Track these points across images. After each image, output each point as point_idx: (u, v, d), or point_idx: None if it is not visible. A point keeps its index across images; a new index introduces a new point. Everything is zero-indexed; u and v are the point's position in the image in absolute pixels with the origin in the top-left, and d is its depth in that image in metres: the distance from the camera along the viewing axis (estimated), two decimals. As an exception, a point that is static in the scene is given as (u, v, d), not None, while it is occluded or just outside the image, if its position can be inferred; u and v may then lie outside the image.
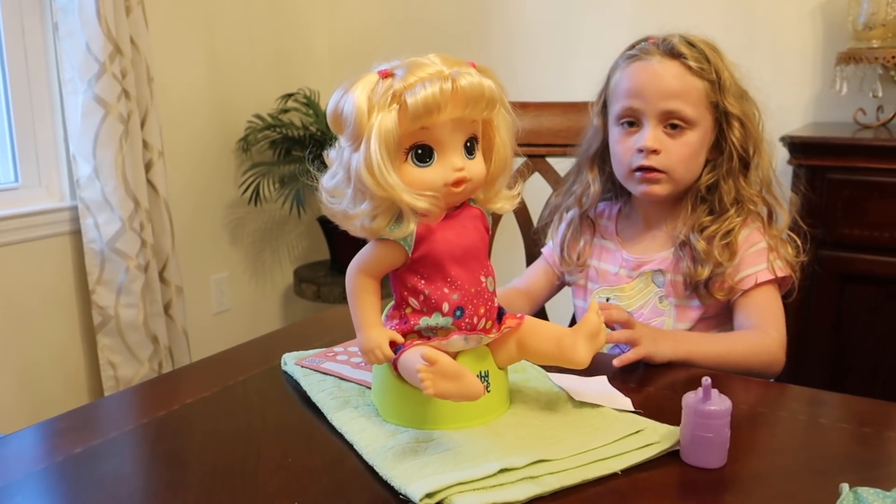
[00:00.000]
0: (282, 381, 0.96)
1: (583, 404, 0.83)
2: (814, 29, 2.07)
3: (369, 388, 0.87)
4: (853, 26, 1.88)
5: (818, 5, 2.06)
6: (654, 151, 1.08)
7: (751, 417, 0.83)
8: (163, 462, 0.78)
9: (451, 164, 0.74)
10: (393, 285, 0.80)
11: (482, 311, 0.78)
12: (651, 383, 0.93)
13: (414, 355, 0.72)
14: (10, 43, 2.01)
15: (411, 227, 0.74)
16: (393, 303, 0.81)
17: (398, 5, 2.73)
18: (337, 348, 1.02)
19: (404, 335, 0.77)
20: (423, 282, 0.76)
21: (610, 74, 1.16)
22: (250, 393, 0.93)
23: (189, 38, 2.43)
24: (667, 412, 0.79)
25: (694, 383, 0.75)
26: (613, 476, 0.70)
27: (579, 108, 1.26)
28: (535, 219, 1.42)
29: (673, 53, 1.08)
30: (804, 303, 1.67)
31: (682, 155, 1.08)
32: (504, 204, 0.82)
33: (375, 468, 0.71)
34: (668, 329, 1.12)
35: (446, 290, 0.76)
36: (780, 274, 1.08)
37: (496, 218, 1.43)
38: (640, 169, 1.09)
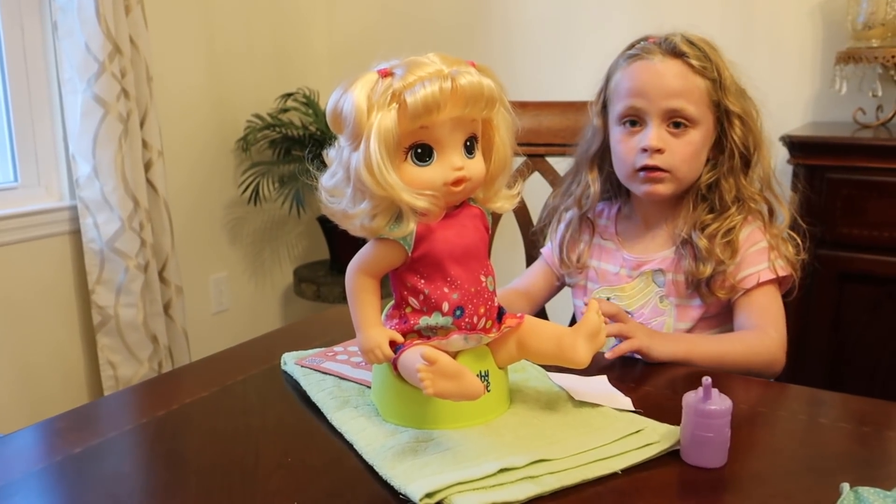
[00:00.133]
0: (281, 380, 0.95)
1: (583, 404, 0.83)
2: (813, 28, 2.07)
3: (369, 388, 0.87)
4: (852, 26, 1.88)
5: (817, 5, 2.06)
6: (658, 151, 1.08)
7: (751, 417, 0.83)
8: (162, 462, 0.78)
9: (451, 164, 0.74)
10: (393, 285, 0.80)
11: (482, 310, 0.78)
12: (651, 383, 0.93)
13: (414, 355, 0.72)
14: (9, 42, 2.01)
15: (411, 227, 0.74)
16: (393, 302, 0.80)
17: (397, 4, 2.73)
18: (337, 348, 1.01)
19: (404, 335, 0.77)
20: (422, 281, 0.76)
21: (609, 74, 1.16)
22: (250, 393, 0.93)
23: (188, 37, 2.43)
24: (667, 412, 0.79)
25: (694, 383, 0.75)
26: (613, 476, 0.70)
27: (579, 107, 1.26)
28: (534, 218, 1.42)
29: (675, 52, 1.08)
30: (803, 302, 1.67)
31: (686, 154, 1.08)
32: (504, 203, 0.82)
33: (375, 468, 0.71)
34: (668, 329, 1.12)
35: (446, 290, 0.76)
36: (782, 273, 1.08)
37: (496, 217, 1.42)
38: (644, 168, 1.09)
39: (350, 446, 0.77)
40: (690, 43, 1.09)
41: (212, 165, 2.54)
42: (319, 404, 0.86)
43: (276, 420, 0.85)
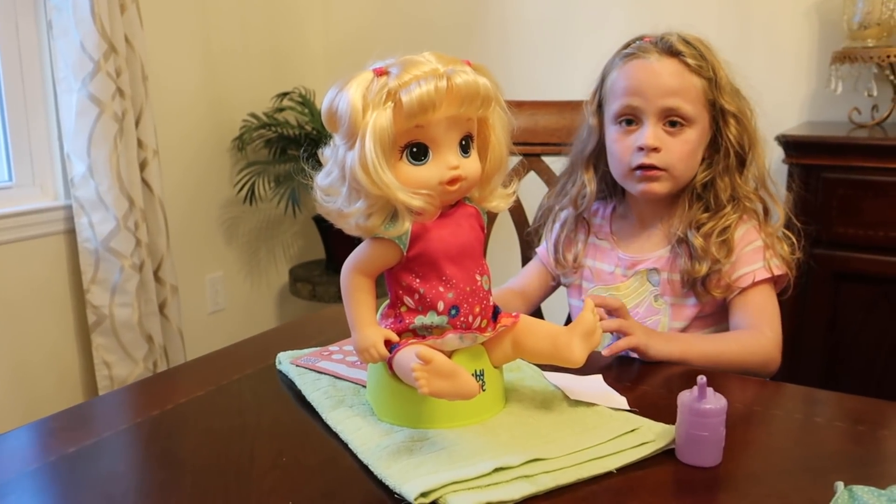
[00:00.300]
0: (276, 380, 0.95)
1: (578, 403, 0.83)
2: (809, 28, 2.08)
3: (364, 387, 0.87)
4: (848, 25, 1.88)
5: (813, 4, 2.06)
6: (655, 149, 1.08)
7: (746, 416, 0.84)
8: (157, 461, 0.78)
9: (446, 163, 0.74)
10: (388, 284, 0.80)
11: (477, 309, 0.78)
12: (646, 382, 0.93)
13: (409, 354, 0.71)
14: (4, 41, 2.00)
15: (406, 226, 0.74)
16: (388, 301, 0.80)
17: (394, 4, 2.73)
18: (332, 347, 1.01)
19: (399, 334, 0.77)
20: (418, 280, 0.76)
21: (605, 74, 1.16)
22: (245, 392, 0.92)
23: (184, 36, 2.43)
24: (662, 411, 0.79)
25: (689, 382, 0.75)
26: (608, 475, 0.70)
27: (575, 106, 1.26)
28: (530, 218, 1.42)
29: (671, 51, 1.08)
30: (799, 301, 1.67)
31: (682, 152, 1.09)
32: (499, 202, 0.82)
33: (370, 467, 0.71)
34: (662, 328, 1.12)
35: (441, 289, 0.76)
36: (777, 272, 1.09)
37: (491, 216, 1.42)
38: (641, 167, 1.09)
39: (345, 446, 0.76)
40: (686, 42, 1.09)
41: (207, 165, 2.54)
42: (315, 404, 0.85)
43: (271, 419, 0.85)
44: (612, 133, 1.13)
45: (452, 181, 0.74)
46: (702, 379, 0.71)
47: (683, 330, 1.12)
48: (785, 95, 2.10)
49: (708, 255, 1.07)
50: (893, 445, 0.78)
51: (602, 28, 2.32)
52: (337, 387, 0.88)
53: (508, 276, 1.31)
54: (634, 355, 0.99)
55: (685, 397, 0.73)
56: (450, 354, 0.77)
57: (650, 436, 0.75)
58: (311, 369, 0.94)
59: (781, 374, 1.06)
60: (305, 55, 2.85)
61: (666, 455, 0.74)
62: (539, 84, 2.41)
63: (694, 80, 1.08)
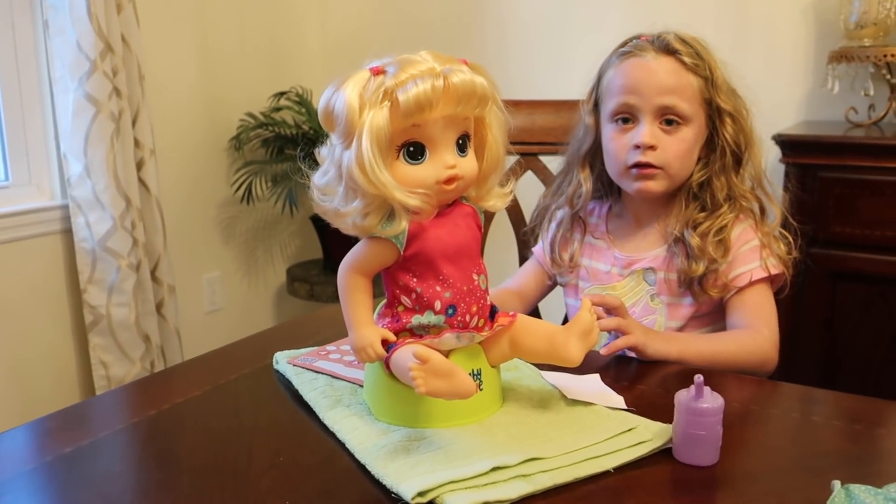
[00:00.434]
0: (274, 379, 0.95)
1: (575, 402, 0.83)
2: (806, 27, 2.08)
3: (361, 387, 0.87)
4: (845, 25, 1.88)
5: (810, 4, 2.06)
6: (651, 147, 1.08)
7: (743, 415, 0.84)
8: (154, 461, 0.78)
9: (443, 162, 0.74)
10: (385, 283, 0.80)
11: (474, 309, 0.78)
12: (643, 381, 0.93)
13: (406, 353, 0.71)
14: (0, 41, 2.00)
15: (403, 225, 0.74)
16: (385, 301, 0.80)
17: (391, 3, 2.72)
18: (329, 346, 1.01)
19: (396, 333, 0.77)
20: (415, 280, 0.76)
21: (601, 72, 1.16)
22: (242, 392, 0.92)
23: (181, 36, 2.42)
24: (659, 410, 0.79)
25: (686, 381, 0.75)
26: (606, 474, 0.70)
27: (572, 106, 1.26)
28: (527, 217, 1.42)
29: (667, 50, 1.09)
30: (796, 301, 1.68)
31: (679, 151, 1.09)
32: (496, 202, 0.82)
33: (367, 467, 0.71)
34: (659, 327, 1.12)
35: (438, 289, 0.76)
36: (774, 271, 1.09)
37: (488, 216, 1.43)
38: (637, 165, 1.09)
39: (342, 445, 0.76)
40: (683, 41, 1.09)
41: (204, 164, 2.54)
42: (312, 403, 0.85)
43: (268, 419, 0.85)
44: (609, 131, 1.13)
45: (449, 180, 0.74)
46: (699, 378, 0.71)
47: (680, 329, 1.12)
48: (782, 95, 2.11)
49: (705, 254, 1.07)
50: (890, 444, 0.78)
51: (599, 28, 2.32)
52: (334, 386, 0.88)
53: (506, 276, 1.31)
54: (632, 354, 1.00)
55: (682, 396, 0.73)
56: (447, 354, 0.77)
57: (647, 435, 0.75)
58: (308, 369, 0.94)
59: (778, 373, 1.06)
60: (302, 55, 2.85)
61: (663, 454, 0.74)
62: (536, 83, 2.41)
63: (690, 78, 1.08)
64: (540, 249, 1.27)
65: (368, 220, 0.74)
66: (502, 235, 1.58)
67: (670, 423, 0.74)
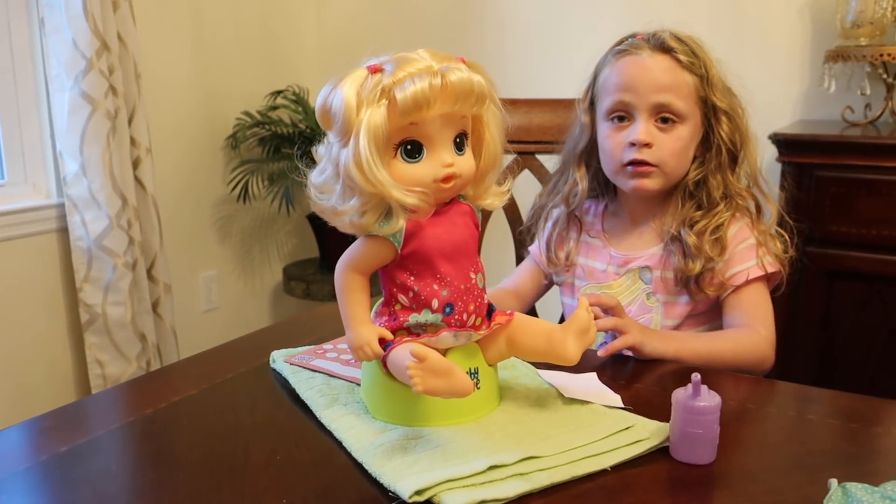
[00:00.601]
0: (270, 378, 0.95)
1: (572, 401, 0.83)
2: (802, 27, 2.08)
3: (359, 385, 0.87)
4: (841, 24, 1.89)
5: (806, 3, 2.06)
6: (647, 145, 1.08)
7: (740, 413, 0.84)
8: (150, 460, 0.77)
9: (441, 160, 0.74)
10: (382, 282, 0.79)
11: (472, 307, 0.78)
12: (641, 379, 0.93)
13: (403, 352, 0.71)
14: (-5, 39, 1.99)
15: (400, 224, 0.74)
16: (382, 300, 0.80)
17: (388, 1, 2.72)
18: (326, 345, 1.01)
19: (393, 332, 0.77)
20: (412, 278, 0.76)
21: (597, 71, 1.16)
22: (239, 390, 0.92)
23: (177, 34, 2.42)
24: (656, 408, 0.79)
25: (684, 380, 0.75)
26: (603, 472, 0.70)
27: (569, 104, 1.26)
28: (524, 216, 1.42)
29: (663, 48, 1.09)
30: (792, 299, 1.68)
31: (674, 149, 1.09)
32: (494, 200, 0.82)
33: (364, 465, 0.71)
34: (655, 326, 1.12)
35: (436, 287, 0.76)
36: (770, 269, 1.09)
37: (486, 214, 1.43)
38: (632, 163, 1.09)
39: (339, 444, 0.76)
40: (678, 39, 1.10)
41: (200, 163, 2.53)
42: (308, 402, 0.85)
43: (265, 418, 0.85)
44: (604, 130, 1.13)
45: (447, 179, 0.74)
46: (696, 376, 0.71)
47: (676, 328, 1.12)
48: (778, 94, 2.11)
49: (702, 252, 1.07)
50: (886, 442, 0.78)
51: (597, 26, 2.32)
52: (331, 385, 0.88)
53: (503, 275, 1.31)
54: (629, 353, 1.00)
55: (679, 395, 0.73)
56: (444, 352, 0.77)
57: (644, 433, 0.75)
58: (305, 367, 0.94)
59: (775, 371, 1.06)
60: (299, 53, 2.85)
61: (660, 453, 0.74)
62: (534, 82, 2.41)
63: (686, 76, 1.08)
64: (536, 249, 1.27)
65: (366, 218, 0.73)
66: (499, 234, 1.58)
67: (667, 421, 0.74)
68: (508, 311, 0.81)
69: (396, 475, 0.67)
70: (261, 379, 0.95)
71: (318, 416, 0.82)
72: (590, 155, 1.19)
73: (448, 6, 2.61)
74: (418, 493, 0.65)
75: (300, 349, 1.00)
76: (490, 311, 0.81)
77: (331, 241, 2.59)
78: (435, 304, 0.76)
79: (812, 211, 1.69)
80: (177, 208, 2.44)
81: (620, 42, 1.14)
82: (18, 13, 2.03)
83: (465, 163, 0.76)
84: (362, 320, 0.76)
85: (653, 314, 1.13)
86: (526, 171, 1.47)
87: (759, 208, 1.14)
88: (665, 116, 1.08)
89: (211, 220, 2.60)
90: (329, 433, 0.79)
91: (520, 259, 1.40)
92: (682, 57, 1.08)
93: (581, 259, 1.21)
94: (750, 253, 1.09)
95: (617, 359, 0.99)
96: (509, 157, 1.47)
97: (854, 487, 0.61)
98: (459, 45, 2.57)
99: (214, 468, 0.73)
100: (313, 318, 1.22)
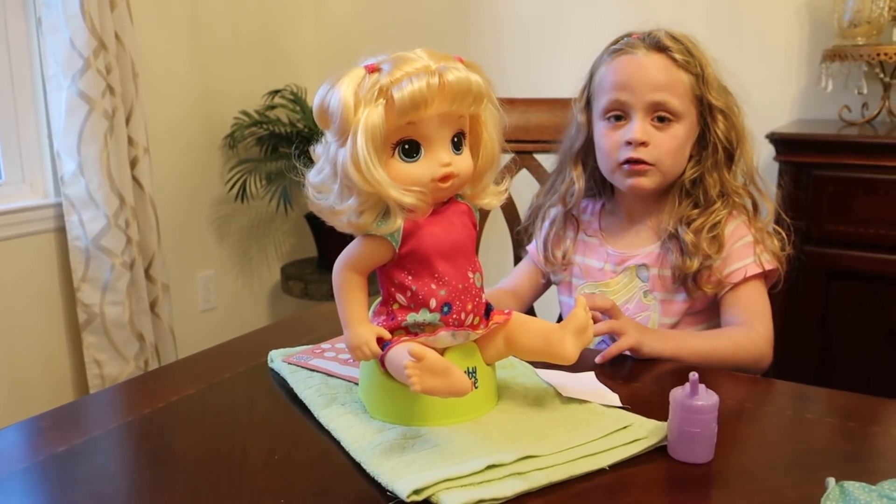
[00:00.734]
0: (269, 378, 0.95)
1: (570, 400, 0.83)
2: (799, 26, 2.08)
3: (357, 385, 0.87)
4: (838, 24, 1.89)
5: (803, 2, 2.07)
6: (643, 144, 1.08)
7: (738, 412, 0.84)
8: (148, 460, 0.77)
9: (438, 160, 0.74)
10: (380, 281, 0.79)
11: (470, 306, 0.78)
12: (638, 379, 0.93)
13: (401, 351, 0.71)
14: (-8, 38, 1.99)
15: (398, 223, 0.74)
16: (380, 299, 0.80)
17: (385, 1, 2.72)
18: (324, 345, 1.01)
19: (391, 331, 0.77)
20: (410, 278, 0.76)
21: (593, 70, 1.17)
22: (237, 390, 0.92)
23: (175, 33, 2.42)
24: (654, 407, 0.80)
25: (681, 378, 0.75)
26: (601, 471, 0.70)
27: (567, 104, 1.26)
28: (522, 215, 1.42)
29: (658, 47, 1.09)
30: (790, 298, 1.68)
31: (671, 147, 1.09)
32: (491, 199, 0.82)
33: (363, 465, 0.71)
34: (652, 324, 1.12)
35: (433, 286, 0.76)
36: (768, 267, 1.09)
37: (484, 214, 1.43)
38: (629, 162, 1.09)
39: (337, 443, 0.76)
40: (674, 38, 1.10)
41: (198, 162, 2.53)
42: (307, 401, 0.85)
43: (263, 417, 0.85)
44: (601, 129, 1.14)
45: (444, 178, 0.74)
46: (694, 376, 0.71)
47: (673, 326, 1.12)
48: (775, 93, 2.11)
49: (699, 250, 1.08)
50: (884, 441, 0.78)
51: (595, 26, 2.32)
52: (329, 384, 0.88)
53: (501, 274, 1.31)
54: (627, 353, 0.99)
55: (677, 394, 0.73)
56: (442, 352, 0.77)
57: (642, 432, 0.75)
58: (303, 367, 0.94)
59: (773, 370, 1.07)
60: (297, 53, 2.84)
61: (658, 452, 0.74)
62: (531, 81, 2.41)
63: (681, 75, 1.09)
64: (534, 248, 1.27)
65: (363, 217, 0.74)
66: (498, 233, 1.58)
67: (665, 420, 0.74)
68: (506, 311, 0.81)
69: (394, 474, 0.67)
70: (259, 378, 0.95)
71: (316, 415, 0.82)
72: (586, 154, 1.19)
73: (446, 6, 2.61)
74: (416, 492, 0.65)
75: (298, 349, 1.00)
76: (488, 310, 0.81)
77: (329, 241, 2.58)
78: (433, 303, 0.76)
79: (809, 210, 1.70)
80: (174, 208, 2.44)
81: (616, 41, 1.14)
82: (15, 12, 2.02)
83: (462, 162, 0.76)
84: (360, 320, 0.76)
85: (650, 312, 1.13)
86: (524, 171, 1.47)
87: (755, 206, 1.14)
88: (661, 115, 1.09)
89: (209, 219, 2.60)
90: (327, 432, 0.79)
91: (518, 259, 1.40)
92: (677, 56, 1.08)
93: (578, 258, 1.21)
94: (747, 250, 1.09)
95: (615, 358, 0.99)
96: (507, 157, 1.47)
97: (852, 486, 0.61)
98: (457, 44, 2.57)
99: (212, 468, 0.73)
100: (311, 318, 1.22)
